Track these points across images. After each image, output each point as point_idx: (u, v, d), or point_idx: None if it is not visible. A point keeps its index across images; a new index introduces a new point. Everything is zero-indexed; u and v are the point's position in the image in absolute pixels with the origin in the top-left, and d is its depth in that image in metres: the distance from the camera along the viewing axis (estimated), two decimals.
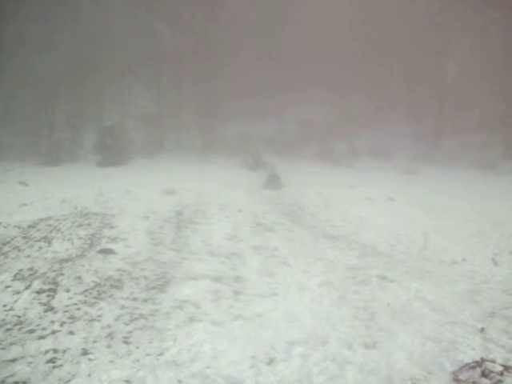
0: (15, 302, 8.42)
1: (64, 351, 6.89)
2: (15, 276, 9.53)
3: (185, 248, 11.84)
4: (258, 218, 14.95)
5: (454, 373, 6.67)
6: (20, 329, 7.48)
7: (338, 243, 13.28)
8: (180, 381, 6.19)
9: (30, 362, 6.55)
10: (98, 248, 11.50)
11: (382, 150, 28.61)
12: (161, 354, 6.88)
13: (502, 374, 6.62)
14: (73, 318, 7.93)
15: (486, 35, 30.91)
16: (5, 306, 8.26)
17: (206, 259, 11.15)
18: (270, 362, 6.75)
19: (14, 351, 6.78)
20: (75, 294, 8.88)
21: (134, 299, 8.79)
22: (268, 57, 32.71)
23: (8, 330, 7.43)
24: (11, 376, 6.18)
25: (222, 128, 28.65)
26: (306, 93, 32.02)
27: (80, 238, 12.34)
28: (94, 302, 8.58)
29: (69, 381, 6.21)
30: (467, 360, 7.02)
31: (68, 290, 8.99)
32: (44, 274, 9.69)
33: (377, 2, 31.83)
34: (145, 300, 8.77)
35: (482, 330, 8.18)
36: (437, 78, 30.89)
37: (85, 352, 6.91)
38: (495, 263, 12.57)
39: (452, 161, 27.29)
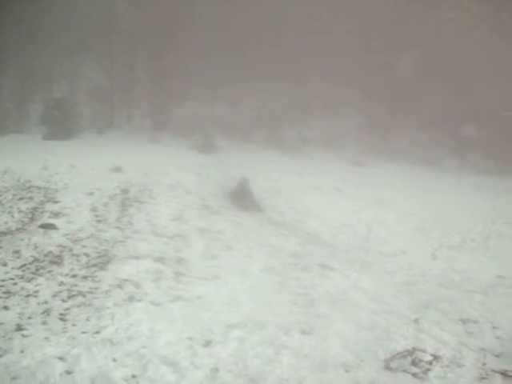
0: None
1: None
2: None
3: (129, 227, 11.69)
4: (205, 201, 14.88)
5: (385, 361, 6.87)
6: None
7: (282, 230, 13.40)
8: (115, 359, 6.17)
9: None
10: (40, 222, 11.24)
11: (333, 141, 28.78)
12: (97, 332, 6.83)
13: (431, 363, 6.88)
14: (8, 293, 7.78)
15: (442, 34, 31.49)
16: None
17: (150, 239, 11.06)
18: (207, 344, 6.79)
19: None
20: (12, 268, 8.70)
21: (74, 276, 8.68)
22: (227, 41, 32.40)
23: None
24: None
25: (174, 108, 28.26)
26: (262, 79, 31.93)
27: (21, 211, 12.01)
28: (32, 278, 8.43)
29: (0, 356, 6.09)
30: (399, 349, 7.24)
31: (5, 264, 8.79)
32: None
33: None
34: (84, 277, 8.68)
35: (416, 320, 8.45)
36: (391, 74, 31.28)
37: (19, 328, 6.80)
38: (434, 257, 12.95)
39: (400, 156, 27.74)
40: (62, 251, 9.69)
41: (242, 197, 15.55)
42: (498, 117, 27.15)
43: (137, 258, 9.83)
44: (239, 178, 16.86)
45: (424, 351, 7.21)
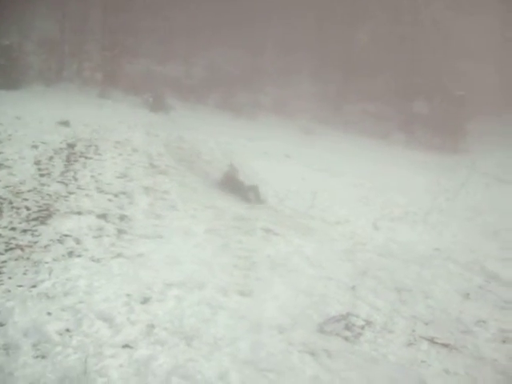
0: None
1: None
2: None
3: (73, 182, 11.47)
4: (153, 160, 14.73)
5: (320, 324, 7.06)
6: None
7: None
8: (50, 313, 6.11)
9: None
10: None
11: (285, 108, 28.86)
12: (34, 286, 6.73)
13: (363, 328, 7.11)
14: None
15: (398, 10, 31.72)
16: None
17: (94, 195, 10.90)
18: (145, 301, 6.81)
19: None
20: None
21: (13, 229, 8.48)
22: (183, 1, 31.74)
23: None
24: None
25: (126, 64, 27.66)
26: (217, 41, 31.61)
27: None
28: None
29: None
30: (334, 313, 7.43)
31: None
32: None
33: None
34: (24, 231, 8.49)
35: (353, 287, 8.68)
36: (346, 46, 31.36)
37: None
38: (375, 227, 13.25)
39: (351, 126, 28.09)
40: (1, 203, 9.45)
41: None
42: (449, 95, 27.65)
43: (79, 213, 9.69)
44: (189, 140, 16.76)
45: (357, 316, 7.44)
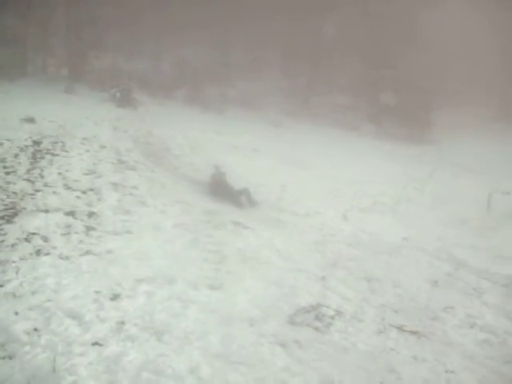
0: None
1: None
2: None
3: (39, 179, 11.30)
4: (121, 156, 14.59)
5: (290, 315, 7.10)
6: None
7: (197, 187, 13.41)
8: (17, 313, 6.02)
9: None
10: None
11: (254, 102, 28.80)
12: (0, 286, 6.63)
13: (333, 317, 7.18)
14: None
15: (367, 1, 31.87)
16: None
17: (61, 192, 10.75)
18: (115, 297, 6.76)
19: None
20: None
21: None
22: None
23: None
24: None
25: (92, 59, 27.26)
26: (184, 34, 31.40)
27: None
28: None
29: None
30: (305, 304, 7.49)
31: None
32: None
33: None
34: None
35: (323, 278, 8.75)
36: (314, 38, 31.40)
37: None
38: (345, 218, 13.35)
39: (320, 119, 28.14)
40: None
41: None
42: (415, 86, 27.90)
43: (46, 211, 9.55)
44: (158, 135, 16.59)
45: (328, 307, 7.51)
